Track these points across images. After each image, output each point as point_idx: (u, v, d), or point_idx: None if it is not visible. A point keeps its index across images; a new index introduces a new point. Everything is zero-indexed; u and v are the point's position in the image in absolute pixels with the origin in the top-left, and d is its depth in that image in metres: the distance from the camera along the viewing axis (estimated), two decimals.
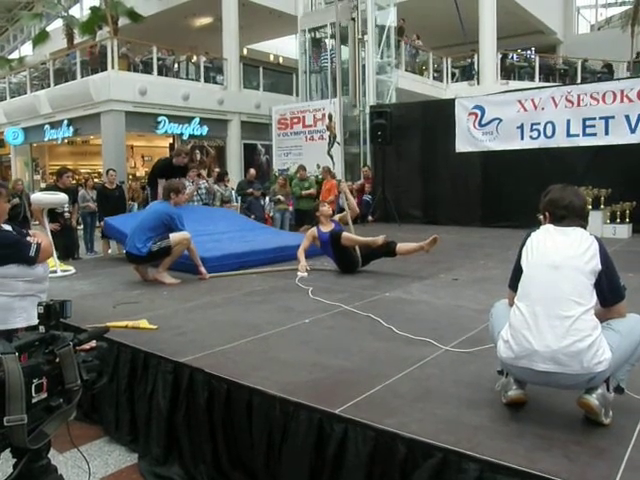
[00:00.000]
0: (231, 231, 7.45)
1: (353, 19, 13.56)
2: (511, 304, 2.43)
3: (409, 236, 9.58)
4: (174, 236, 5.44)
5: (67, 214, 8.34)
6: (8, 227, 3.13)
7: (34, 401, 1.34)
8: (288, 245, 6.79)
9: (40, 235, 3.21)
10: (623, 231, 9.00)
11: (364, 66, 13.59)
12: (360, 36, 13.53)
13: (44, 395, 1.37)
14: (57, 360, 1.41)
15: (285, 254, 6.51)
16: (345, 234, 5.84)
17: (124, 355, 3.42)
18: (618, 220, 9.15)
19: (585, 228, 2.36)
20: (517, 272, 2.41)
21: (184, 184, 6.43)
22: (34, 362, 1.37)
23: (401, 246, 5.84)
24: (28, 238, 3.09)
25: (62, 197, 6.79)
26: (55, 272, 5.90)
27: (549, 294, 2.21)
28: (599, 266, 2.22)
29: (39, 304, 1.52)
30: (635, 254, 7.09)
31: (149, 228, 5.49)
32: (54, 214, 7.89)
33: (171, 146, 16.82)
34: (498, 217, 10.43)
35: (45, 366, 1.39)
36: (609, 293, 2.28)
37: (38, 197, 6.87)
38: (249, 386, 2.71)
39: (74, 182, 13.73)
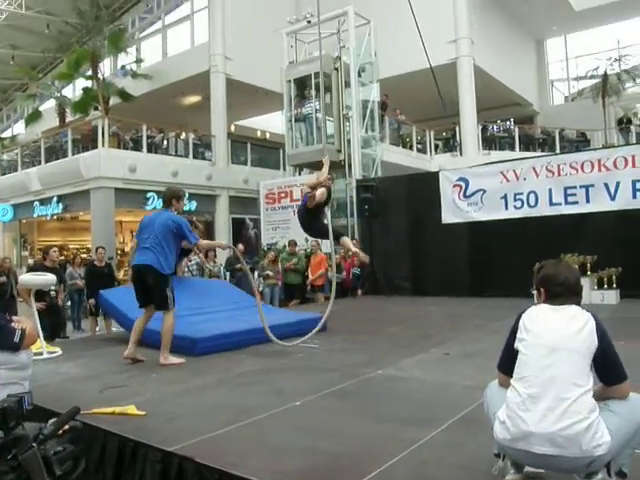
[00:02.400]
0: (227, 309, 7.31)
1: (336, 69, 14.04)
2: (502, 385, 2.42)
3: (398, 309, 9.62)
4: (167, 320, 5.41)
5: (53, 292, 8.27)
6: None
7: None
8: (284, 323, 6.71)
9: (24, 320, 3.18)
10: (611, 297, 9.08)
11: (349, 140, 13.94)
12: (345, 112, 13.95)
13: None
14: (22, 465, 1.34)
15: (281, 332, 6.23)
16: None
17: (111, 443, 3.32)
18: (605, 286, 9.23)
19: (579, 304, 2.36)
20: (508, 354, 2.39)
21: (183, 191, 6.29)
22: None
23: (345, 240, 6.81)
24: (12, 324, 3.04)
25: (50, 278, 6.75)
26: (41, 354, 5.80)
27: (546, 376, 2.19)
28: (596, 343, 2.20)
29: None
30: (625, 320, 7.11)
31: (162, 237, 5.39)
32: (40, 292, 7.80)
33: None
34: (486, 286, 10.50)
35: (9, 475, 1.31)
36: (609, 372, 2.26)
37: (26, 279, 6.84)
38: (242, 477, 2.63)
39: (62, 258, 13.75)
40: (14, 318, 3.23)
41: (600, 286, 9.28)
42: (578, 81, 23.86)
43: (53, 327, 8.10)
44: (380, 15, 15.67)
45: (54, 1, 22.44)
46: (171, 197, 5.64)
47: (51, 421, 1.49)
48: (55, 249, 9.42)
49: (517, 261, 9.70)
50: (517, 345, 2.34)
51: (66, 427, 1.52)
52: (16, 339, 2.97)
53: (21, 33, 24.92)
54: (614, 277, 9.23)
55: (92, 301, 9.50)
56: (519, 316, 2.40)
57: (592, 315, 2.28)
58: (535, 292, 2.52)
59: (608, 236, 9.38)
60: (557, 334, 2.24)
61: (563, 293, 2.35)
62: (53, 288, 8.13)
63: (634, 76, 20.73)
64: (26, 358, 3.10)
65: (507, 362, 2.38)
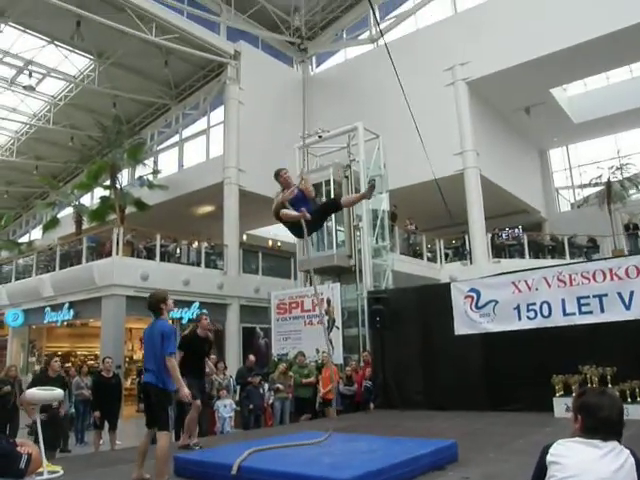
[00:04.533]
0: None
1: (347, 177, 14.40)
2: None
3: (412, 425, 9.28)
4: (162, 443, 5.17)
5: (55, 403, 8.03)
6: None
7: None
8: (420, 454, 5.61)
9: (29, 445, 3.06)
10: (636, 411, 8.68)
11: (360, 250, 14.11)
12: (355, 222, 14.23)
13: None
14: None
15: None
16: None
17: None
18: (629, 400, 8.87)
19: (620, 442, 2.21)
20: None
21: (165, 291, 6.03)
22: None
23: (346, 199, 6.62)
24: (18, 448, 2.93)
25: (57, 394, 6.67)
26: (41, 474, 5.56)
27: None
28: None
29: None
30: None
31: (160, 352, 5.27)
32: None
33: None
34: (503, 399, 10.13)
35: None
36: None
37: (33, 394, 6.67)
38: None
39: (69, 365, 13.62)
40: (18, 441, 3.12)
41: (623, 400, 8.93)
42: (583, 189, 24.39)
43: (54, 439, 7.86)
44: (389, 129, 16.39)
45: (79, 117, 23.87)
46: (157, 303, 5.51)
47: None
48: (57, 359, 9.42)
49: (533, 373, 9.47)
50: None
51: None
52: (22, 465, 2.85)
53: (46, 145, 26.34)
54: (637, 390, 8.90)
55: (97, 413, 9.27)
56: (545, 451, 2.26)
57: (631, 452, 2.15)
58: (571, 414, 2.37)
59: (626, 346, 9.13)
60: (594, 474, 2.09)
61: (601, 429, 2.21)
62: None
63: (636, 183, 21.18)
64: None
65: None
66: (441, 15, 20.62)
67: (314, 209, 6.16)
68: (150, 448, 5.33)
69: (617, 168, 21.15)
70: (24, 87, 21.83)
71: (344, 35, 23.70)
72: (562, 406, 9.04)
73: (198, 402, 7.26)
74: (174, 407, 5.37)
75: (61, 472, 5.94)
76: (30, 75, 21.43)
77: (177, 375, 5.34)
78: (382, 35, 12.89)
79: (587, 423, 2.25)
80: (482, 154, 18.62)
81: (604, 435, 2.19)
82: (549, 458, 2.23)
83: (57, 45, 20.73)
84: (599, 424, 2.22)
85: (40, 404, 6.62)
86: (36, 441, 5.95)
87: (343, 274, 14.48)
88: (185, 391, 5.41)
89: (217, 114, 21.78)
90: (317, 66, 24.57)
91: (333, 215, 14.08)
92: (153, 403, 5.32)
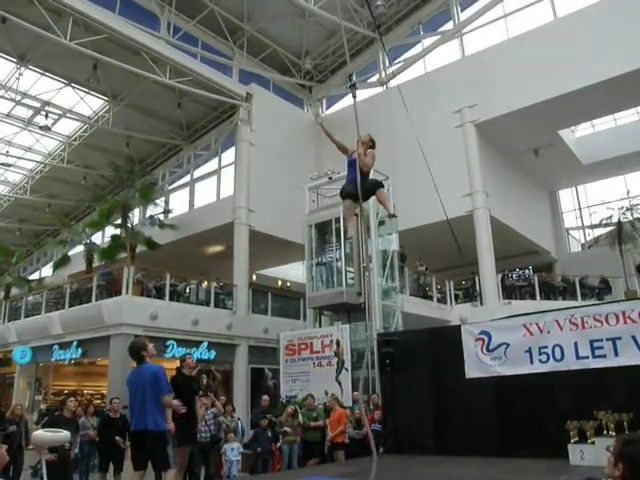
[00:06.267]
0: None
1: (356, 214, 14.39)
2: None
3: (424, 472, 9.07)
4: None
5: (67, 444, 7.94)
6: None
7: None
8: None
9: None
10: None
11: (369, 291, 14.05)
12: (365, 264, 14.20)
13: None
14: None
15: None
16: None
17: None
18: None
19: None
20: None
21: (144, 338, 6.20)
22: None
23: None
24: None
25: (64, 436, 6.63)
26: None
27: None
28: None
29: None
30: None
31: (151, 395, 5.31)
32: None
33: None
34: (515, 446, 9.89)
35: None
36: None
37: (40, 436, 6.62)
38: None
39: (76, 405, 13.38)
40: None
41: None
42: (593, 229, 24.31)
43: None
44: (398, 170, 16.53)
45: (93, 156, 24.32)
46: (139, 350, 5.65)
47: None
48: (72, 399, 9.32)
49: (547, 418, 9.30)
50: None
51: None
52: None
53: (59, 184, 26.78)
54: None
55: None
56: None
57: None
58: (611, 460, 2.30)
59: None
60: None
61: None
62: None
63: None
64: None
65: None
66: (449, 59, 21.03)
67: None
68: None
69: (627, 209, 21.10)
70: (40, 127, 22.29)
71: (354, 78, 24.13)
72: (577, 453, 8.81)
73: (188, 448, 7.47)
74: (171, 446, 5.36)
75: None
76: (46, 116, 21.90)
77: (170, 414, 5.44)
78: (394, 76, 13.06)
79: (632, 474, 2.19)
80: (491, 195, 18.68)
81: None
82: None
83: (74, 87, 21.25)
84: None
85: (47, 446, 6.55)
86: None
87: (352, 313, 14.41)
88: (171, 427, 5.56)
89: (228, 155, 22.06)
90: (327, 108, 24.98)
91: (343, 256, 14.21)
92: (151, 449, 5.33)
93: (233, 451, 9.85)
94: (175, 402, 5.55)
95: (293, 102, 23.75)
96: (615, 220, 20.87)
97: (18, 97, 21.44)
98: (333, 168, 15.52)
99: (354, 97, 7.22)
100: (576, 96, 17.16)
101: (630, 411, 8.77)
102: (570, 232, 25.82)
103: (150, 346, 5.76)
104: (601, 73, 16.61)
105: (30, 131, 23.65)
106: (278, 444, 10.89)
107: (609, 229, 21.39)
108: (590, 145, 22.86)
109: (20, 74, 19.79)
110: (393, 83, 21.63)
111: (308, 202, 15.92)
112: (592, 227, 24.35)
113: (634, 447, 2.26)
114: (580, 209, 25.58)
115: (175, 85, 18.89)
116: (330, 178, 15.40)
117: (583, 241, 25.64)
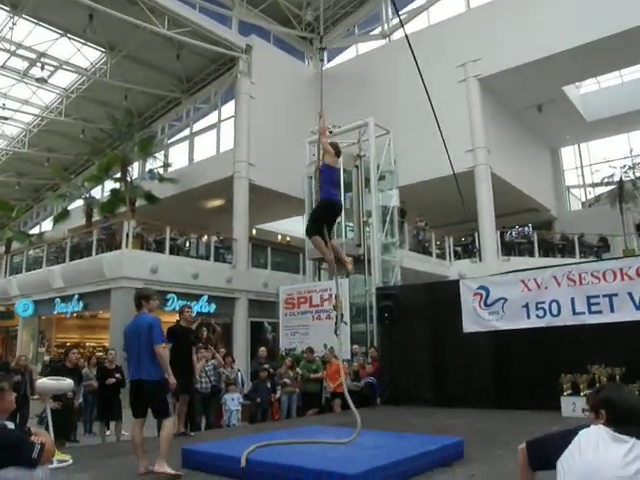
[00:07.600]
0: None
1: (357, 166, 14.38)
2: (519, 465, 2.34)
3: (419, 421, 9.27)
4: (167, 426, 5.31)
5: (70, 393, 8.11)
6: (11, 425, 2.95)
7: None
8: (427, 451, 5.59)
9: (42, 434, 3.05)
10: None
11: (369, 246, 14.09)
12: (365, 218, 14.21)
13: None
14: None
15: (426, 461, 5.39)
16: None
17: None
18: None
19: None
20: (547, 448, 2.27)
21: (154, 291, 6.23)
22: None
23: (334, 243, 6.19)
24: (31, 437, 2.91)
25: (67, 384, 6.72)
26: (51, 462, 5.60)
27: None
28: None
29: None
30: None
31: (146, 345, 5.37)
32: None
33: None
34: (511, 398, 10.09)
35: None
36: None
37: (43, 384, 6.71)
38: None
39: (79, 356, 13.59)
40: (32, 430, 3.10)
41: None
42: (594, 187, 24.23)
43: (63, 426, 7.88)
44: (400, 125, 16.36)
45: (91, 109, 23.97)
46: (140, 299, 5.70)
47: None
48: (75, 351, 9.46)
49: (542, 372, 9.45)
50: (561, 462, 2.18)
51: None
52: (34, 455, 2.79)
53: (57, 137, 26.47)
54: None
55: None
56: (576, 432, 2.23)
57: None
58: (589, 413, 2.34)
59: (635, 346, 9.05)
60: (611, 472, 2.05)
61: (630, 421, 2.17)
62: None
63: None
64: (41, 474, 2.91)
65: (541, 452, 2.25)
66: (454, 11, 20.50)
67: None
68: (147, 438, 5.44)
69: (629, 167, 20.98)
70: (36, 79, 21.95)
71: (356, 31, 23.62)
72: (570, 405, 9.01)
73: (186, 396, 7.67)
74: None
75: (70, 461, 6.00)
76: (42, 67, 21.52)
77: (166, 364, 5.49)
78: (402, 25, 12.68)
79: (613, 416, 2.22)
80: (493, 151, 18.52)
81: (631, 428, 2.15)
82: (576, 439, 2.21)
83: (70, 38, 20.80)
84: (627, 415, 2.19)
85: (51, 394, 6.67)
86: (46, 430, 6.00)
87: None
88: (172, 381, 5.55)
89: (228, 108, 21.81)
90: (328, 61, 24.50)
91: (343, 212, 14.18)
92: (148, 398, 5.40)
93: (233, 401, 10.00)
94: (165, 351, 5.60)
95: (294, 55, 23.29)
96: (617, 179, 20.78)
97: (13, 48, 21.00)
98: (334, 122, 15.31)
99: (321, 60, 6.92)
100: (582, 51, 16.81)
101: (623, 365, 8.91)
102: (571, 190, 25.73)
103: (154, 300, 5.79)
104: (608, 28, 16.21)
105: (26, 83, 23.28)
106: (277, 395, 11.10)
107: (610, 188, 21.31)
108: (595, 102, 22.53)
109: (14, 23, 19.34)
110: (396, 36, 21.20)
111: (308, 156, 15.77)
112: (593, 185, 24.26)
113: (606, 391, 2.34)
114: (582, 167, 25.40)
115: (173, 36, 18.50)
116: (330, 132, 15.18)
117: (584, 199, 25.57)
